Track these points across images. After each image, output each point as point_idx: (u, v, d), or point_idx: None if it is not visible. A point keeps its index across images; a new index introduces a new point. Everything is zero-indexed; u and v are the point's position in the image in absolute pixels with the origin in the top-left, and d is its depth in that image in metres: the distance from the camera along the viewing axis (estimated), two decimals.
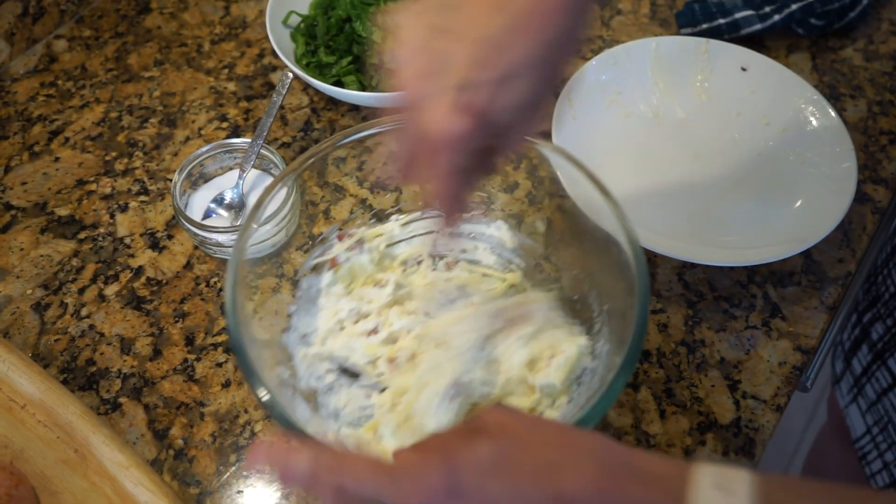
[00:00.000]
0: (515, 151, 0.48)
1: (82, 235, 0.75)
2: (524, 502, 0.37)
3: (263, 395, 0.47)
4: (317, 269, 0.64)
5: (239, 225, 0.70)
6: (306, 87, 0.88)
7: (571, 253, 0.63)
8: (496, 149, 0.48)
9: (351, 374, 0.61)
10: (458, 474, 0.37)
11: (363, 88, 0.82)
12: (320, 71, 0.83)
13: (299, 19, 0.87)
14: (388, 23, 0.44)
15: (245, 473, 0.61)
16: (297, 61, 0.83)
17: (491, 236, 0.67)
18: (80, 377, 0.66)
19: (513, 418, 0.40)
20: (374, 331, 0.63)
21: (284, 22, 0.85)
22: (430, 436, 0.42)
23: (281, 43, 0.82)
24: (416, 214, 0.67)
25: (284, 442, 0.41)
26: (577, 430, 0.41)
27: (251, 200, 0.75)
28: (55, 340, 0.68)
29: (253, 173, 0.77)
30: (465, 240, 0.67)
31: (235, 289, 0.51)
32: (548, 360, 0.58)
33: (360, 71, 0.82)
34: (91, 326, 0.69)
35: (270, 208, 0.58)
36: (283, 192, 0.65)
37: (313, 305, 0.63)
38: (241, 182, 0.75)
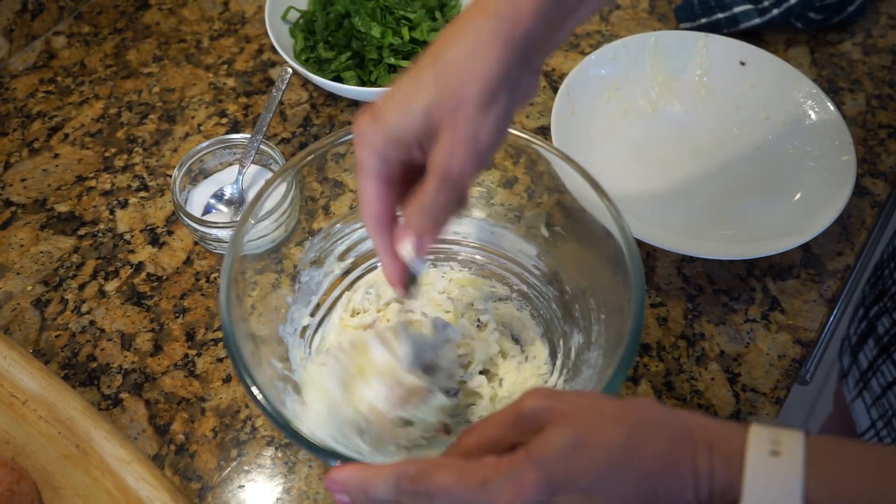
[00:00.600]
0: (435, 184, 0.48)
1: (82, 232, 0.75)
2: (616, 480, 0.38)
3: (257, 393, 0.47)
4: (317, 262, 0.64)
5: (239, 220, 0.70)
6: (305, 82, 0.88)
7: (570, 248, 0.63)
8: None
9: None
10: (549, 468, 0.37)
11: (362, 84, 0.82)
12: (319, 66, 0.83)
13: (298, 15, 0.87)
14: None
15: (246, 468, 0.61)
16: (296, 57, 0.84)
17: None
18: (80, 373, 0.66)
19: (568, 403, 0.40)
20: (372, 325, 0.63)
21: (283, 17, 0.85)
22: (478, 429, 0.42)
23: (280, 38, 0.82)
24: None
25: (360, 466, 0.41)
26: (631, 400, 0.41)
27: (251, 196, 0.75)
28: (56, 336, 0.68)
29: (252, 169, 0.77)
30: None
31: (230, 287, 0.51)
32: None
33: (360, 66, 0.82)
34: (92, 322, 0.69)
35: (269, 204, 0.58)
36: (283, 187, 0.65)
37: (312, 296, 0.63)
38: (241, 178, 0.75)
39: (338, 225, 0.65)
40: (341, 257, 0.65)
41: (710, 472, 0.38)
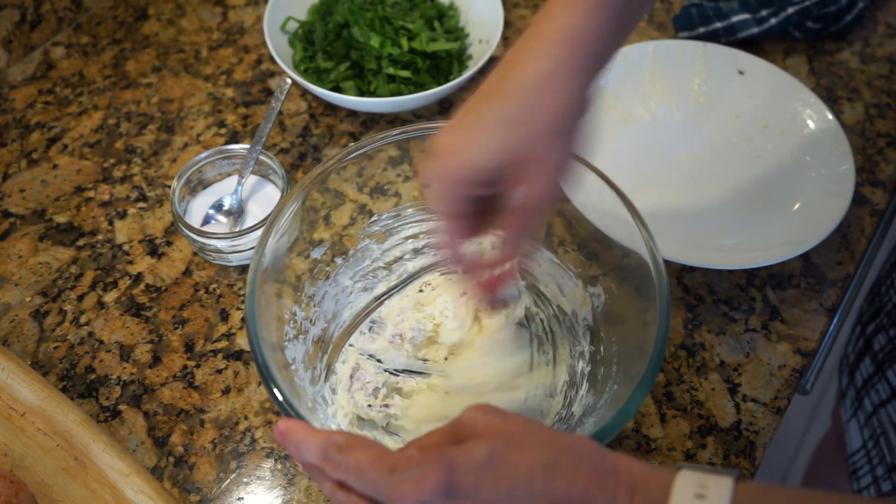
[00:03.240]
0: (518, 220, 0.51)
1: (81, 242, 0.75)
2: (519, 502, 0.38)
3: (279, 395, 0.49)
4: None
5: (238, 231, 0.69)
6: (304, 92, 0.88)
7: (571, 258, 0.63)
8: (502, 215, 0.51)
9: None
10: (454, 473, 0.38)
11: (361, 94, 0.82)
12: (318, 76, 0.83)
13: (297, 25, 0.87)
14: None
15: (245, 480, 0.61)
16: (295, 67, 0.84)
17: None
18: (79, 384, 0.66)
19: (503, 421, 0.41)
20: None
21: (282, 28, 0.85)
22: (420, 436, 0.43)
23: (279, 49, 0.82)
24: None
25: (303, 424, 0.43)
26: (564, 433, 0.42)
27: (250, 206, 0.75)
28: (54, 348, 0.68)
29: (252, 179, 0.77)
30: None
31: (255, 302, 0.53)
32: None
33: (358, 76, 0.82)
34: (90, 334, 0.69)
35: (272, 216, 0.58)
36: (281, 196, 0.66)
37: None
38: (240, 188, 0.74)
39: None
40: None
41: None
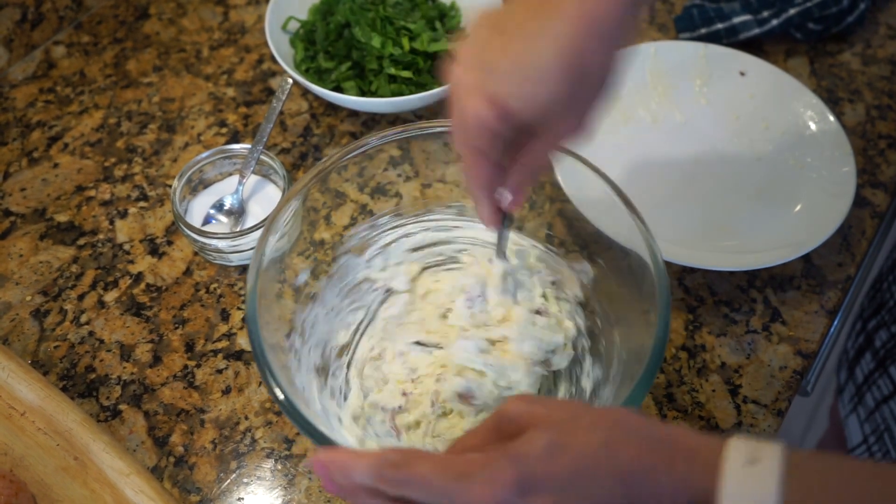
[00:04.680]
0: (540, 157, 0.50)
1: (81, 242, 0.75)
2: (591, 482, 0.38)
3: (280, 396, 0.48)
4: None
5: (239, 231, 0.69)
6: (305, 92, 0.88)
7: (573, 258, 0.63)
8: (528, 147, 0.50)
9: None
10: (525, 467, 0.37)
11: (362, 94, 0.82)
12: (319, 76, 0.83)
13: (298, 25, 0.87)
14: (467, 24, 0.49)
15: (245, 480, 0.61)
16: (297, 67, 0.83)
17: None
18: (79, 384, 0.66)
19: (547, 408, 0.41)
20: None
21: (284, 27, 0.85)
22: (462, 436, 0.42)
23: (280, 48, 0.82)
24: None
25: (345, 449, 0.42)
26: (611, 408, 0.42)
27: (251, 206, 0.75)
28: (55, 347, 0.68)
29: (252, 179, 0.77)
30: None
31: (256, 295, 0.53)
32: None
33: (359, 76, 0.82)
34: (91, 333, 0.69)
35: (272, 215, 0.58)
36: (283, 197, 0.66)
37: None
38: (241, 188, 0.74)
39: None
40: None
41: (687, 479, 0.38)
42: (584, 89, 0.46)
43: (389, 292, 0.66)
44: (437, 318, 0.63)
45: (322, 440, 0.47)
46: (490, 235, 0.61)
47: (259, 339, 0.51)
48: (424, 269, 0.67)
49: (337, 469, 0.40)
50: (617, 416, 0.40)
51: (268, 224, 0.56)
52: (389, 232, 0.67)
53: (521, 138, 0.49)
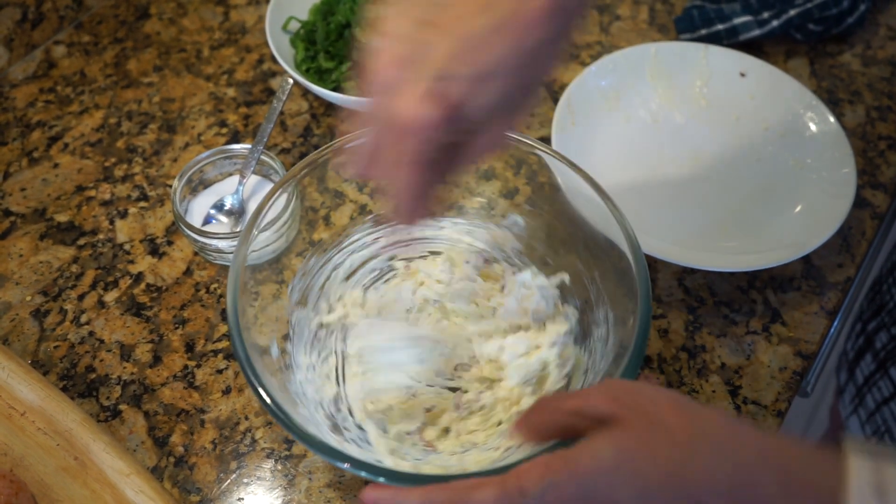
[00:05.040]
0: (481, 156, 0.47)
1: (82, 242, 0.75)
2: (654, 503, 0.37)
3: (266, 397, 0.48)
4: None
5: (239, 231, 0.69)
6: (306, 92, 0.88)
7: (571, 259, 0.63)
8: (463, 149, 0.46)
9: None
10: (587, 483, 0.37)
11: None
12: (320, 76, 0.83)
13: (299, 25, 0.87)
14: (374, 14, 0.44)
15: (245, 480, 0.61)
16: (297, 67, 0.83)
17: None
18: (79, 384, 0.66)
19: (628, 410, 0.38)
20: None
21: (284, 27, 0.85)
22: (534, 410, 0.42)
23: (280, 48, 0.82)
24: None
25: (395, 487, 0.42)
26: (703, 415, 0.39)
27: (251, 206, 0.75)
28: (55, 347, 0.68)
29: (253, 179, 0.77)
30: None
31: (237, 294, 0.52)
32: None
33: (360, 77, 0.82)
34: (91, 333, 0.69)
35: (271, 214, 0.58)
36: (283, 198, 0.65)
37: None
38: (241, 188, 0.74)
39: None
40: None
41: None
42: (529, 92, 0.45)
43: (345, 327, 0.64)
44: (404, 325, 0.63)
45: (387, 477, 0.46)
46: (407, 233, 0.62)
47: (239, 337, 0.50)
48: (366, 290, 0.66)
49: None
50: (702, 427, 0.38)
51: (252, 216, 0.56)
52: (319, 272, 0.65)
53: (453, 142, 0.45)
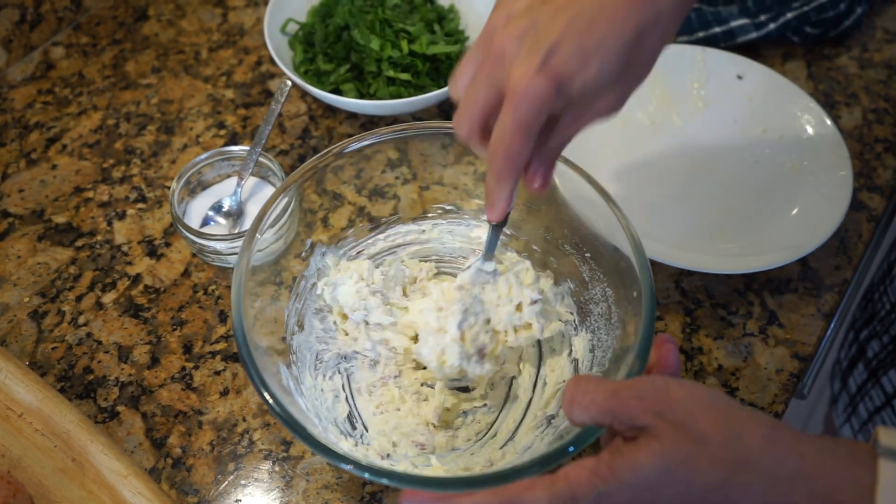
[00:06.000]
0: (584, 127, 0.49)
1: (80, 243, 0.75)
2: None
3: (269, 399, 0.48)
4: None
5: (237, 233, 0.70)
6: (304, 94, 0.88)
7: (569, 262, 0.63)
8: (568, 120, 0.49)
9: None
10: (634, 493, 0.38)
11: (361, 96, 0.82)
12: (318, 78, 0.83)
13: (297, 27, 0.87)
14: None
15: (243, 482, 0.61)
16: (296, 69, 0.84)
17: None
18: (77, 385, 0.66)
19: (670, 425, 0.39)
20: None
21: (282, 30, 0.86)
22: (581, 392, 0.43)
23: (279, 50, 0.82)
24: None
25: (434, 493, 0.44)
26: (741, 425, 0.39)
27: (249, 208, 0.75)
28: (52, 348, 0.68)
29: (251, 181, 0.77)
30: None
31: (241, 296, 0.52)
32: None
33: (358, 79, 0.83)
34: (88, 334, 0.69)
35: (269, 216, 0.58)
36: (283, 200, 0.66)
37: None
38: (240, 190, 0.75)
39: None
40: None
41: None
42: (634, 71, 0.47)
43: (347, 359, 0.65)
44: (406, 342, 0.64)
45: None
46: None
47: (244, 337, 0.51)
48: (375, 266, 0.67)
49: None
50: (746, 454, 0.38)
51: (256, 220, 0.56)
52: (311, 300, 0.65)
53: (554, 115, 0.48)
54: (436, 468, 0.56)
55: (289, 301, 0.62)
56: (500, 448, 0.58)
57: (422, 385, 0.63)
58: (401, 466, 0.57)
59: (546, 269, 0.65)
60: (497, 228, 0.56)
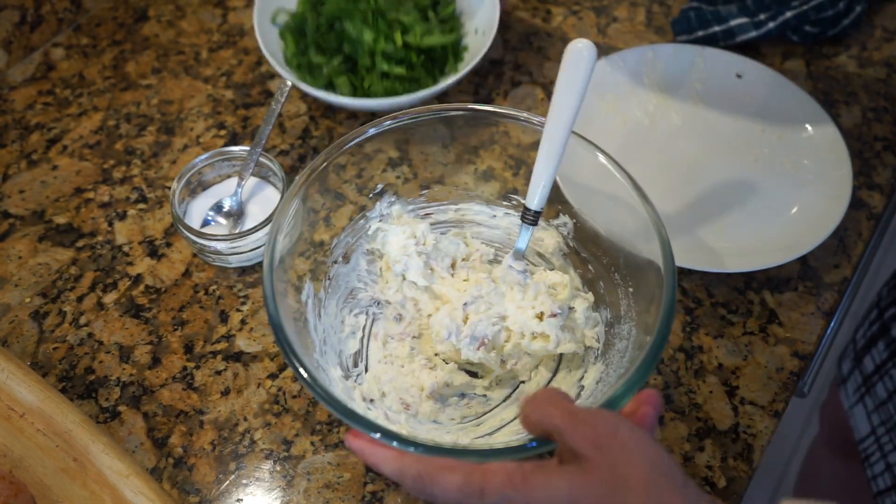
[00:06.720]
0: None
1: (80, 243, 0.75)
2: None
3: (304, 374, 0.51)
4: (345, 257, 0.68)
5: (238, 233, 0.70)
6: (304, 94, 0.88)
7: (615, 292, 0.63)
8: None
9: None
10: None
11: (354, 90, 0.81)
12: (310, 72, 0.82)
13: (287, 18, 0.85)
14: None
15: (244, 481, 0.61)
16: (288, 63, 0.83)
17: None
18: (78, 385, 0.66)
19: (608, 454, 0.40)
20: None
21: (273, 20, 0.85)
22: (535, 403, 0.44)
23: (269, 44, 0.81)
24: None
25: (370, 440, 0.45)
26: (668, 495, 0.40)
27: (250, 208, 0.75)
28: (54, 349, 0.68)
29: (251, 181, 0.77)
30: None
31: (273, 287, 0.55)
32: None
33: (352, 71, 0.82)
34: (90, 335, 0.69)
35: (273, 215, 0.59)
36: (283, 198, 0.66)
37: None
38: (240, 190, 0.75)
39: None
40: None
41: None
42: None
43: (380, 305, 0.68)
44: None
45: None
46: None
47: (277, 315, 0.53)
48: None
49: (365, 455, 0.45)
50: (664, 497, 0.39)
51: (275, 221, 0.58)
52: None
53: None
54: (402, 427, 0.59)
55: (341, 232, 0.66)
56: (476, 438, 0.60)
57: (435, 355, 0.65)
58: (373, 415, 0.59)
59: (589, 292, 0.65)
60: (528, 228, 0.61)
